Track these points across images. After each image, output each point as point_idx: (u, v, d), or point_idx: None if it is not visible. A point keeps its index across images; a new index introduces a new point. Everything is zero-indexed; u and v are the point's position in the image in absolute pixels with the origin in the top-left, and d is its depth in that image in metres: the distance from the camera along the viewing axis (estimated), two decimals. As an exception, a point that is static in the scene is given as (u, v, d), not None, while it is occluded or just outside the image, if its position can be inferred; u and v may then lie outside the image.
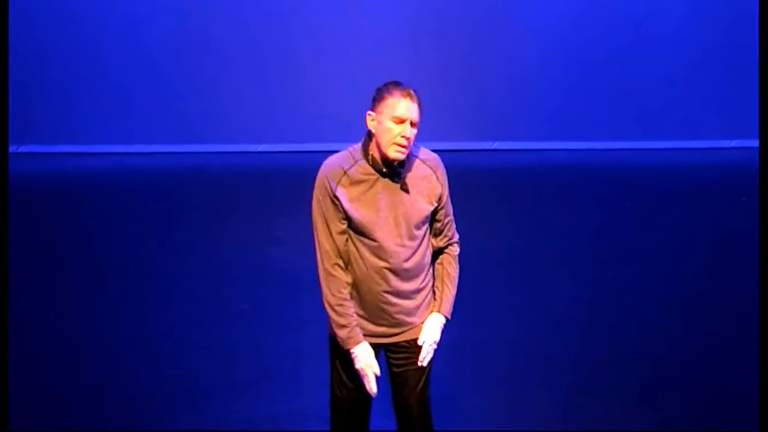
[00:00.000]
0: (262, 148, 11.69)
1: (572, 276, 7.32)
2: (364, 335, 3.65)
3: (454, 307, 3.74)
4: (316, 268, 3.57)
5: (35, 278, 7.27)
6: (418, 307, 3.69)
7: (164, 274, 7.35)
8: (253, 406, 5.09)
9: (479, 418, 4.97)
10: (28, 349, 5.90)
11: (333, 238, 3.55)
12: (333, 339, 3.74)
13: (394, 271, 3.57)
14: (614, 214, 9.23)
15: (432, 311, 3.73)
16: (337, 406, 3.83)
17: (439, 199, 3.65)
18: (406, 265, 3.59)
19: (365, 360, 3.57)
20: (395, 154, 3.46)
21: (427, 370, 3.78)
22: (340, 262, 3.57)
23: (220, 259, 7.66)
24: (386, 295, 3.59)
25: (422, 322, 3.72)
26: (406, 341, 3.72)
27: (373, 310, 3.63)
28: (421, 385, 3.77)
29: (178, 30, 11.46)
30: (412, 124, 3.44)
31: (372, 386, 3.59)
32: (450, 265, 3.76)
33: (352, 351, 3.58)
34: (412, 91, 3.46)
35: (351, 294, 3.65)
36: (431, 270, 3.76)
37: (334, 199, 3.51)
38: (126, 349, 5.91)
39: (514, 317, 6.48)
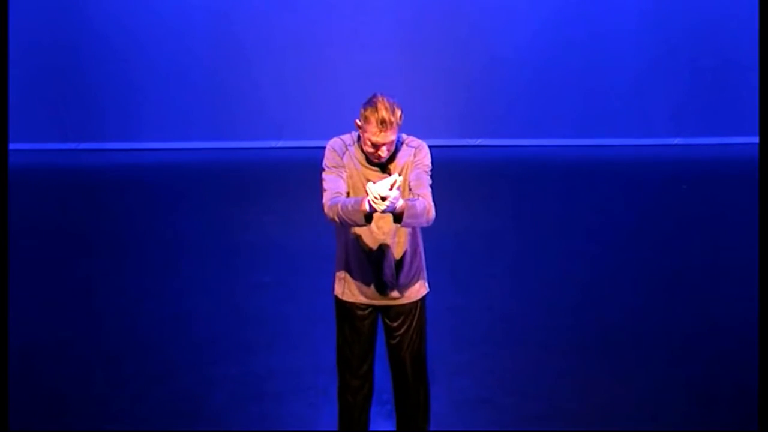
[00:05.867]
0: (281, 144, 11.68)
1: (545, 251, 7.32)
2: (363, 297, 3.64)
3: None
4: (322, 209, 3.42)
5: (84, 257, 7.28)
6: (407, 275, 3.67)
7: (196, 252, 7.35)
8: (273, 362, 5.12)
9: (463, 373, 4.98)
10: (85, 314, 5.92)
11: (334, 182, 3.48)
12: (337, 302, 3.74)
13: (386, 246, 3.56)
14: (581, 200, 9.23)
15: (419, 277, 3.72)
16: (342, 362, 3.84)
17: (414, 164, 3.55)
18: (396, 238, 3.58)
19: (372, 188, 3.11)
20: (375, 161, 3.50)
21: (421, 332, 3.78)
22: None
23: (245, 239, 7.65)
24: (381, 262, 3.59)
25: (412, 294, 3.71)
26: (399, 307, 3.71)
27: (368, 275, 3.62)
28: (414, 345, 3.76)
29: (210, 40, 11.41)
30: (387, 144, 3.42)
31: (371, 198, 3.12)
32: (417, 199, 3.46)
33: (364, 203, 3.18)
34: (386, 117, 3.35)
35: (348, 262, 3.63)
36: (420, 244, 3.74)
37: (340, 160, 3.52)
38: (164, 314, 5.93)
39: (494, 285, 6.49)
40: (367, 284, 3.65)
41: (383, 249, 3.58)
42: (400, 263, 3.63)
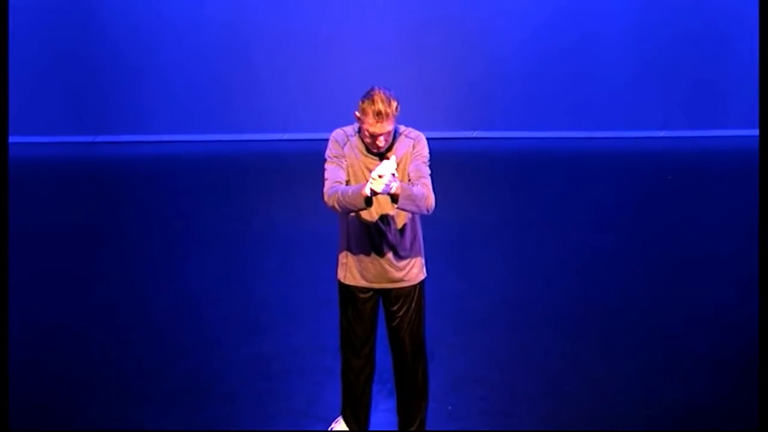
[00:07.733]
0: (286, 136, 11.71)
1: (540, 238, 7.35)
2: (364, 281, 3.67)
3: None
4: (322, 198, 3.47)
5: (98, 245, 7.31)
6: (407, 259, 3.69)
7: (205, 240, 7.38)
8: (281, 343, 5.16)
9: (460, 354, 5.02)
10: (101, 300, 5.95)
11: (334, 171, 3.52)
12: (340, 286, 3.77)
13: (385, 229, 3.59)
14: (574, 189, 9.24)
15: (417, 262, 3.75)
16: (345, 343, 3.87)
17: (413, 155, 3.58)
18: (395, 224, 3.60)
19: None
20: (375, 150, 3.53)
21: (420, 315, 3.80)
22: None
23: (252, 227, 7.68)
24: (380, 246, 3.61)
25: (411, 277, 3.74)
26: (399, 290, 3.74)
27: (369, 259, 3.65)
28: (413, 327, 3.79)
29: (217, 38, 11.43)
30: (384, 134, 3.44)
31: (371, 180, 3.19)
32: (415, 185, 3.49)
33: (364, 188, 3.24)
34: (383, 109, 3.37)
35: (350, 246, 3.65)
36: (419, 231, 3.76)
37: (341, 150, 3.55)
38: (177, 299, 5.96)
39: (490, 272, 6.52)
40: (368, 268, 3.68)
41: (383, 234, 3.61)
42: (399, 247, 3.66)
